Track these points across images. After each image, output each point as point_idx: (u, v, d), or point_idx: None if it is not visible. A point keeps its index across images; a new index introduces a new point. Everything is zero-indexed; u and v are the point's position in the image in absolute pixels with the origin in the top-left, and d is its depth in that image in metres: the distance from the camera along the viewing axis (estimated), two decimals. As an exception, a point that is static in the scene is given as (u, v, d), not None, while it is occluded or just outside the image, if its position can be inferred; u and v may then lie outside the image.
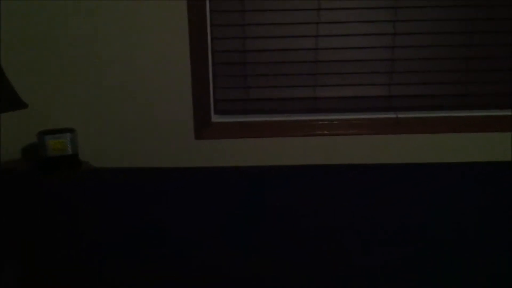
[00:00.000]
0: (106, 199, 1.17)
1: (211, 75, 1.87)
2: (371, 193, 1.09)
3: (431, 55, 1.86)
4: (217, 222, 1.04)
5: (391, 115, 1.92)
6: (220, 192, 1.15)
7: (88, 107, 1.84)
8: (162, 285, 0.83)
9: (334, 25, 1.82)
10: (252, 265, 0.85)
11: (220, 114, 1.93)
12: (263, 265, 0.85)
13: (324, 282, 0.80)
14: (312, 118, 1.92)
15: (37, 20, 1.74)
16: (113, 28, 1.76)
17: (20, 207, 1.12)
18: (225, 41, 1.84)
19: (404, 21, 1.82)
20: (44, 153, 1.61)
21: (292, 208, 1.04)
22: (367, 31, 1.83)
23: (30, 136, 1.70)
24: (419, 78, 1.89)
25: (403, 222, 0.97)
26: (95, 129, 1.85)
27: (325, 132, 1.90)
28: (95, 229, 1.02)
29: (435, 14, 1.81)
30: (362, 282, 0.79)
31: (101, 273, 0.86)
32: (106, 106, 1.84)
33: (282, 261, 0.86)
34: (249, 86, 1.89)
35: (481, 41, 1.85)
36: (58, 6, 1.73)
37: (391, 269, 0.82)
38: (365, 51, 1.86)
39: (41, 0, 1.72)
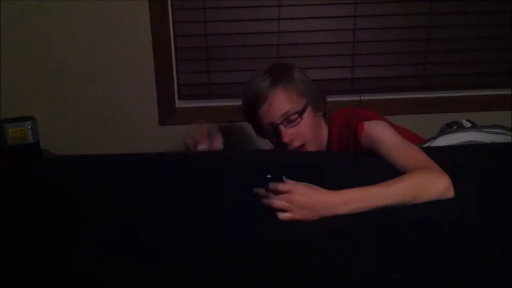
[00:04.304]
0: (71, 187, 1.15)
1: (174, 60, 1.86)
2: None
3: (392, 37, 1.87)
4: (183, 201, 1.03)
5: (355, 97, 1.94)
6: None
7: (48, 94, 1.81)
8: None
9: (296, 8, 1.82)
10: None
11: (184, 100, 1.93)
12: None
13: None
14: (277, 101, 1.92)
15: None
16: (73, 13, 1.73)
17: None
18: (187, 25, 1.83)
19: (365, 3, 1.82)
20: (5, 142, 1.60)
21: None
22: (328, 14, 1.83)
23: (-11, 125, 1.67)
24: (381, 60, 1.91)
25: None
26: (56, 117, 1.84)
27: (290, 115, 1.91)
28: (60, 218, 1.01)
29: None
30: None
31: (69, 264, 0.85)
32: (67, 93, 1.82)
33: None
34: (212, 70, 1.88)
35: (441, 23, 1.87)
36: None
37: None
38: (327, 34, 1.86)
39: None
